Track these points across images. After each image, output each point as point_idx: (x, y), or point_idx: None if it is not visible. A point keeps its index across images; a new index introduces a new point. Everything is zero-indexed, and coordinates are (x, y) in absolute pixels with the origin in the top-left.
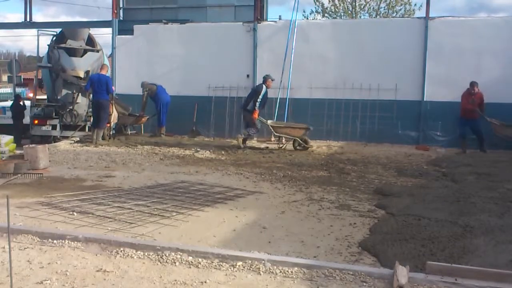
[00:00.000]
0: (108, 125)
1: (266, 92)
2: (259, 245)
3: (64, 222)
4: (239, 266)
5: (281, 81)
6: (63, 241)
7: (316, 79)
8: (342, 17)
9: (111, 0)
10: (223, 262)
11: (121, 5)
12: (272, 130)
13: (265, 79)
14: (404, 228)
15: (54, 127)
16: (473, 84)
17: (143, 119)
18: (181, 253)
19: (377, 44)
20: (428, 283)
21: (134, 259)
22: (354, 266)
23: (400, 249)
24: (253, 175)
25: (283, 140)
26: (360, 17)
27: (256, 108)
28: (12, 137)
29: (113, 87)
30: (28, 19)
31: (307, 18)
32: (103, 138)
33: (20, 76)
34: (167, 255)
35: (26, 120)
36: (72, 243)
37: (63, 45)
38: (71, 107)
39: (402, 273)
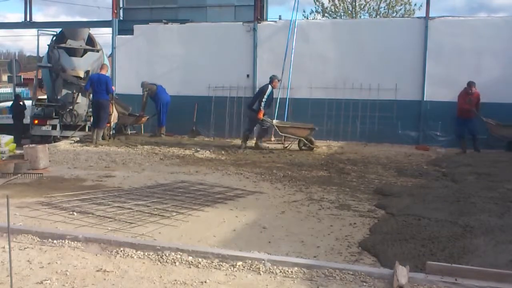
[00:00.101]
0: (108, 125)
1: (271, 92)
2: (259, 245)
3: (64, 222)
4: (239, 266)
5: (281, 81)
6: (63, 241)
7: (316, 79)
8: (342, 17)
9: (111, 0)
10: (223, 262)
11: (121, 5)
12: (278, 130)
13: (272, 79)
14: (404, 228)
15: (54, 127)
16: (470, 84)
17: (143, 119)
18: (181, 253)
19: (377, 44)
20: (428, 283)
21: (134, 259)
22: (354, 266)
23: (400, 249)
24: (253, 175)
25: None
26: (360, 17)
27: (261, 108)
28: (12, 137)
29: (113, 87)
30: (28, 19)
31: (307, 18)
32: (103, 138)
33: (20, 76)
34: (167, 255)
35: (26, 120)
36: (72, 243)
37: (63, 45)
38: (71, 107)
39: (402, 273)
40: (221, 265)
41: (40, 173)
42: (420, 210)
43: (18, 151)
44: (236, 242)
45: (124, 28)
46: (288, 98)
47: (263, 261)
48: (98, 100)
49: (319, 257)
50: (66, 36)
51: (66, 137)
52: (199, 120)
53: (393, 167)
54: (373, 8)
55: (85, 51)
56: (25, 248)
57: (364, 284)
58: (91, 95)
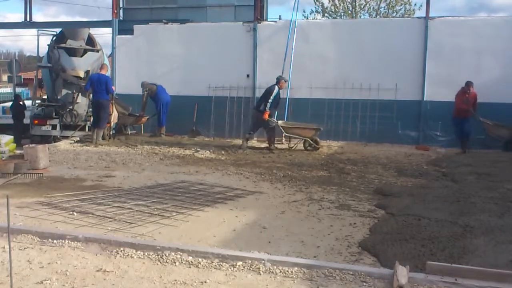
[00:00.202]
0: (108, 125)
1: (278, 93)
2: (259, 245)
3: (64, 222)
4: (239, 266)
5: (288, 81)
6: (63, 241)
7: (316, 79)
8: (342, 17)
9: (111, 0)
10: (223, 262)
11: (121, 5)
12: (283, 131)
13: (278, 80)
14: (404, 228)
15: (54, 127)
16: (469, 84)
17: (143, 119)
18: (181, 253)
19: (377, 44)
20: (428, 283)
21: (134, 259)
22: (354, 266)
23: (400, 249)
24: (253, 175)
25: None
26: (360, 17)
27: (267, 109)
28: (12, 137)
29: (113, 87)
30: (28, 19)
31: (307, 18)
32: (103, 138)
33: (20, 76)
34: (167, 255)
35: (26, 120)
36: (72, 243)
37: (63, 45)
38: (71, 107)
39: (402, 273)
40: (221, 265)
41: (40, 173)
42: (420, 210)
43: (18, 151)
44: (236, 242)
45: (124, 28)
46: (288, 98)
47: (263, 261)
48: (98, 100)
49: (319, 257)
50: (66, 36)
51: (66, 137)
52: (199, 120)
53: (393, 167)
54: (373, 8)
55: (85, 51)
56: (25, 248)
57: (364, 284)
58: (91, 95)
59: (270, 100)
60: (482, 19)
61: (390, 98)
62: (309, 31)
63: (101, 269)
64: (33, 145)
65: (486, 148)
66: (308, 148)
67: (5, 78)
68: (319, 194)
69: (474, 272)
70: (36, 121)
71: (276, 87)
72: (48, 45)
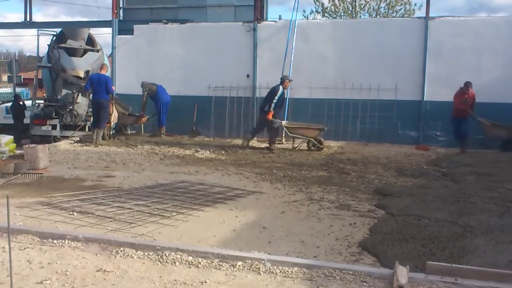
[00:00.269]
0: (108, 125)
1: (282, 93)
2: (259, 245)
3: (64, 222)
4: (239, 266)
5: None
6: (63, 241)
7: (316, 79)
8: (342, 17)
9: (111, 0)
10: (223, 262)
11: (121, 5)
12: (287, 131)
13: (283, 80)
14: (404, 228)
15: (54, 127)
16: (468, 85)
17: (143, 119)
18: (181, 253)
19: (377, 44)
20: (428, 283)
21: (134, 259)
22: (354, 266)
23: (400, 249)
24: (253, 175)
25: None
26: (360, 17)
27: (271, 109)
28: (12, 137)
29: (113, 87)
30: (28, 19)
31: (307, 18)
32: (103, 138)
33: (20, 76)
34: (167, 255)
35: (26, 120)
36: (72, 243)
37: (63, 45)
38: (71, 107)
39: (402, 273)
40: (221, 265)
41: (40, 173)
42: (420, 210)
43: (18, 151)
44: (236, 242)
45: (124, 28)
46: (288, 98)
47: (263, 261)
48: (98, 100)
49: (319, 257)
50: (66, 36)
51: (66, 137)
52: (199, 120)
53: (393, 167)
54: (373, 8)
55: (85, 51)
56: (25, 248)
57: (364, 284)
58: (91, 95)
59: (274, 100)
60: (482, 19)
61: (390, 98)
62: (309, 31)
63: (101, 269)
64: (33, 145)
65: (484, 148)
66: (312, 148)
67: (5, 78)
68: (319, 194)
69: (474, 272)
70: (36, 121)
71: (281, 87)
72: (48, 45)
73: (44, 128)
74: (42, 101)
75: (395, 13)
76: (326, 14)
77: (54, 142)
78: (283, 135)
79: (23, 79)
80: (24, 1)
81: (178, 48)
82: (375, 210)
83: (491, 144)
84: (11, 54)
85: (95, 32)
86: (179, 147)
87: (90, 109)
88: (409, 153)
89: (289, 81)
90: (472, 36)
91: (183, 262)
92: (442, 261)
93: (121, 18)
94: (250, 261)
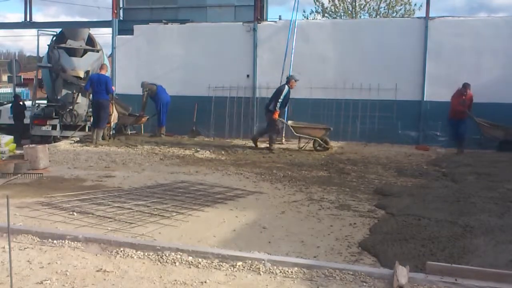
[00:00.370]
0: (108, 125)
1: (288, 93)
2: (259, 245)
3: (64, 222)
4: (239, 266)
5: (281, 81)
6: (63, 241)
7: (316, 79)
8: (342, 17)
9: (111, 0)
10: (223, 262)
11: (121, 5)
12: (293, 131)
13: (289, 79)
14: (404, 228)
15: (54, 127)
16: (466, 86)
17: (143, 119)
18: (181, 253)
19: (377, 44)
20: (428, 283)
21: (134, 259)
22: (354, 266)
23: (400, 249)
24: (253, 175)
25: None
26: (360, 17)
27: (277, 108)
28: (12, 137)
29: (113, 87)
30: (28, 19)
31: (307, 18)
32: (103, 138)
33: (20, 76)
34: (167, 255)
35: (26, 120)
36: (72, 243)
37: (63, 45)
38: (71, 107)
39: (402, 273)
40: (221, 265)
41: (40, 173)
42: (420, 210)
43: (18, 151)
44: (236, 242)
45: (124, 28)
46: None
47: (263, 261)
48: (98, 100)
49: (319, 257)
50: (66, 36)
51: (66, 137)
52: (199, 120)
53: (393, 167)
54: (373, 8)
55: (85, 51)
56: (25, 248)
57: (364, 284)
58: (91, 95)
59: (280, 100)
60: (482, 19)
61: (390, 98)
62: (309, 31)
63: (101, 269)
64: (33, 145)
65: (481, 148)
66: (318, 148)
67: (5, 78)
68: (319, 194)
69: (474, 272)
70: (36, 121)
71: (286, 87)
72: (48, 45)
73: (44, 128)
74: (45, 102)
75: (395, 13)
76: (326, 14)
77: (54, 142)
78: (283, 135)
79: (23, 79)
80: (24, 1)
81: (178, 48)
82: (375, 210)
83: (488, 144)
84: (11, 54)
85: (95, 32)
86: (179, 147)
87: (90, 109)
88: (409, 153)
89: (295, 80)
90: (472, 36)
91: (183, 262)
92: (442, 261)
93: (121, 18)
94: (250, 261)
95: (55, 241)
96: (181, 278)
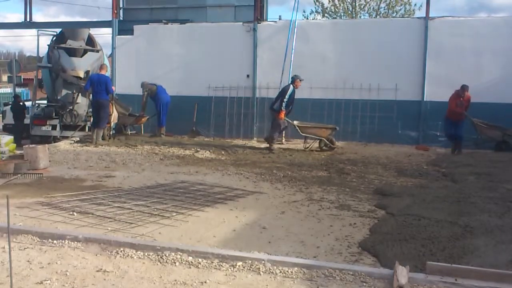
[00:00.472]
0: (108, 125)
1: (293, 92)
2: (259, 245)
3: (64, 222)
4: (239, 266)
5: (281, 81)
6: (63, 241)
7: (316, 79)
8: (342, 17)
9: (111, 0)
10: (223, 262)
11: (121, 5)
12: (299, 131)
13: (294, 79)
14: (404, 228)
15: (54, 127)
16: (464, 88)
17: (143, 119)
18: (181, 253)
19: (377, 44)
20: (428, 283)
21: (134, 259)
22: (354, 266)
23: (400, 249)
24: (253, 175)
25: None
26: (360, 17)
27: (282, 108)
28: (12, 137)
29: (113, 87)
30: (28, 19)
31: (307, 18)
32: (103, 138)
33: (20, 76)
34: (167, 255)
35: (26, 120)
36: (72, 243)
37: (63, 45)
38: (71, 107)
39: (402, 273)
40: (221, 265)
41: (40, 173)
42: (420, 210)
43: (18, 151)
44: (236, 242)
45: (124, 28)
46: None
47: (263, 261)
48: (98, 100)
49: (319, 257)
50: (66, 36)
51: (66, 137)
52: (199, 120)
53: (393, 167)
54: (373, 8)
55: (85, 51)
56: (25, 248)
57: (364, 284)
58: (91, 95)
59: (285, 100)
60: (482, 19)
61: (390, 98)
62: (309, 31)
63: (101, 269)
64: (33, 145)
65: (478, 148)
66: (324, 148)
67: (5, 78)
68: (319, 194)
69: (474, 272)
70: (36, 121)
71: (291, 86)
72: (48, 45)
73: (44, 128)
74: (45, 102)
75: (395, 13)
76: (326, 14)
77: (54, 142)
78: (283, 135)
79: (23, 79)
80: (24, 1)
81: (178, 48)
82: (375, 210)
83: (485, 144)
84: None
85: (95, 32)
86: (179, 147)
87: (90, 109)
88: (409, 153)
89: (300, 80)
90: (472, 36)
91: (183, 262)
92: (442, 261)
93: (121, 18)
94: (250, 261)
95: (55, 241)
96: (181, 278)
